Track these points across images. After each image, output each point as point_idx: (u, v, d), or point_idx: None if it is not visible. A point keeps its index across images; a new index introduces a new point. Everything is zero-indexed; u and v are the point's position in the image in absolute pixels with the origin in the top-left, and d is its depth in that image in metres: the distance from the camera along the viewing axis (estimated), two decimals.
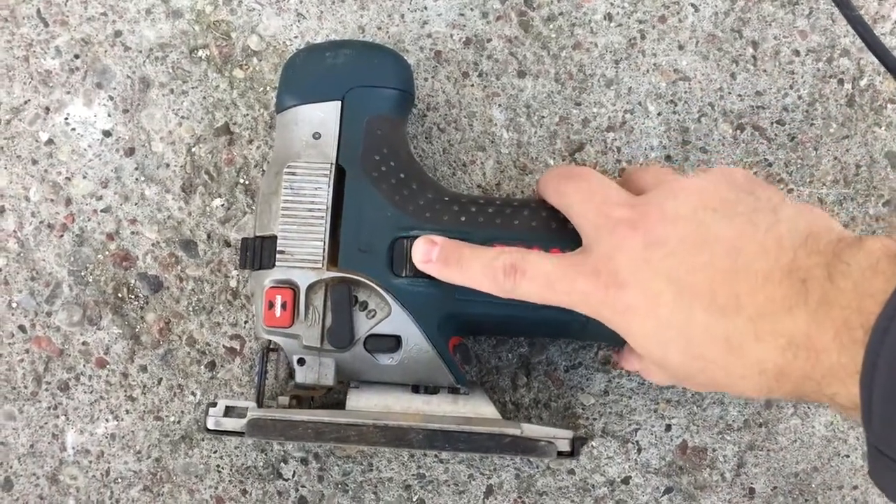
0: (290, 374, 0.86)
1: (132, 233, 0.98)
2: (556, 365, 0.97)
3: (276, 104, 0.81)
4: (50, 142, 0.99)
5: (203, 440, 0.97)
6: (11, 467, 0.97)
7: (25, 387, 0.97)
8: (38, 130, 0.99)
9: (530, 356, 0.96)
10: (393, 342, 0.72)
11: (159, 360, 0.97)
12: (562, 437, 0.73)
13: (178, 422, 0.97)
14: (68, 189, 0.99)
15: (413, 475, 0.95)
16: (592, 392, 0.97)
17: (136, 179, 0.99)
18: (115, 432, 0.97)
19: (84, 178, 0.99)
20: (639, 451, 0.97)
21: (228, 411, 0.74)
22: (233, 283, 0.97)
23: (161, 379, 0.97)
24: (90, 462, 0.97)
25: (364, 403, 0.73)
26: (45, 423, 0.97)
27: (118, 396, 0.97)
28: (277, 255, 0.72)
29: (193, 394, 0.97)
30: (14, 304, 0.98)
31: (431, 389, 0.74)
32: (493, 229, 0.71)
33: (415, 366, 0.72)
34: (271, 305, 0.73)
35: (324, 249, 0.72)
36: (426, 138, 0.97)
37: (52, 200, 0.99)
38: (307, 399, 0.80)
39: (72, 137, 0.99)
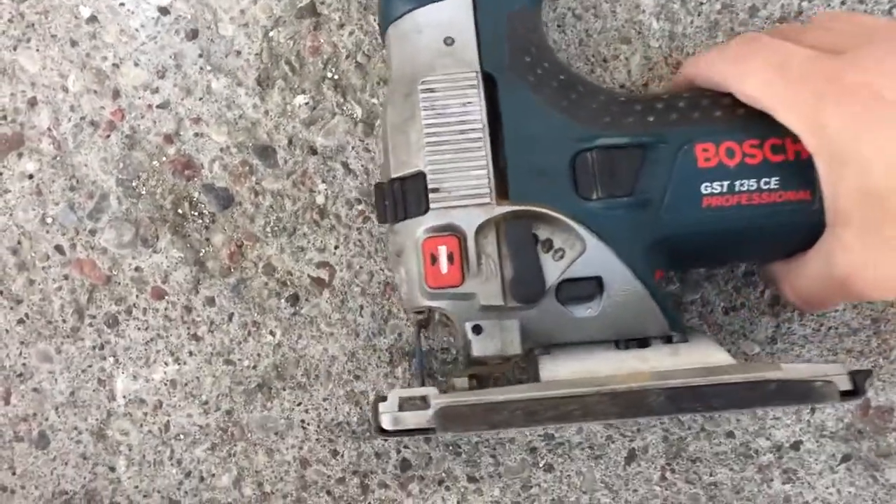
0: (460, 351, 0.75)
1: (195, 135, 0.79)
2: (713, 306, 0.80)
3: (382, 15, 0.68)
4: (93, 19, 0.80)
5: (284, 389, 0.79)
6: (47, 419, 0.79)
7: (64, 321, 0.79)
8: (79, 4, 0.80)
9: (682, 295, 0.79)
10: (592, 286, 0.60)
11: (230, 291, 0.79)
12: (835, 374, 0.57)
13: (254, 367, 0.79)
14: (116, 78, 0.80)
15: (540, 436, 0.78)
16: (757, 339, 0.80)
17: (201, 69, 0.80)
18: (175, 378, 0.79)
19: (136, 65, 0.80)
20: (812, 411, 0.80)
21: (403, 404, 0.58)
22: (319, 200, 0.79)
23: (232, 314, 0.79)
24: (145, 414, 0.79)
25: (565, 371, 0.58)
26: (90, 367, 0.80)
27: (179, 335, 0.79)
28: (431, 196, 0.60)
29: (272, 333, 0.79)
30: (49, 220, 0.79)
31: (641, 342, 0.61)
32: (691, 127, 0.61)
33: (620, 313, 0.60)
34: (434, 260, 0.59)
35: (489, 180, 0.59)
36: (558, 27, 0.79)
37: (95, 92, 0.80)
38: (487, 380, 0.68)
39: (120, 14, 0.80)
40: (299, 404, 0.80)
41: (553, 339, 0.60)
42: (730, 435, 0.80)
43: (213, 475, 0.80)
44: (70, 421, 0.80)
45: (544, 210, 0.58)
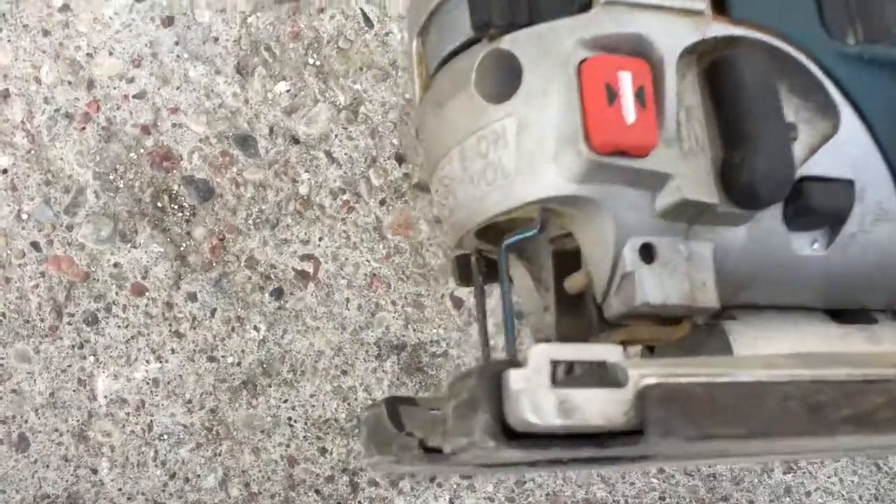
0: (587, 300, 0.41)
1: (174, 125, 0.77)
2: None
3: None
4: (65, 7, 0.77)
5: (269, 386, 0.77)
6: (27, 421, 0.77)
7: (42, 320, 0.77)
8: None
9: None
10: (844, 193, 0.36)
11: (212, 285, 0.77)
12: None
13: (238, 363, 0.77)
14: (90, 68, 0.77)
15: None
16: None
17: (178, 57, 0.77)
18: (157, 377, 0.77)
19: (110, 54, 0.77)
20: None
21: (558, 376, 0.32)
22: (303, 190, 0.77)
23: (215, 310, 0.77)
24: (127, 414, 0.77)
25: (773, 347, 0.37)
26: (69, 366, 0.77)
27: (161, 332, 0.77)
28: None
29: (256, 328, 0.77)
30: (24, 216, 0.77)
31: (866, 316, 0.39)
32: None
33: (859, 257, 0.37)
34: (612, 96, 0.33)
35: None
36: None
37: (69, 83, 0.77)
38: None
39: (93, 2, 0.77)
40: (286, 401, 0.77)
41: (744, 294, 0.37)
42: None
43: (199, 476, 0.78)
44: (50, 422, 0.78)
45: (778, 43, 0.35)
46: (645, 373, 0.30)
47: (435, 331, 0.77)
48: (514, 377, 0.30)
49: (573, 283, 0.40)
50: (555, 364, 0.31)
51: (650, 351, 0.42)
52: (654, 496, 0.77)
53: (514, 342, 0.41)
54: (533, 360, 0.30)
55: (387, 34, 0.79)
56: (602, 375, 0.30)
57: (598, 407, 0.30)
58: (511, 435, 0.30)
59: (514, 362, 0.31)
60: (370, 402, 0.77)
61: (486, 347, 0.46)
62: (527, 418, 0.29)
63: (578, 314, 0.41)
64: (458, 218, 0.41)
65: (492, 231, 0.41)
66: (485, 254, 0.45)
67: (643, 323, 0.37)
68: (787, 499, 0.78)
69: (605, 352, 0.31)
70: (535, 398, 0.30)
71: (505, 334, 0.41)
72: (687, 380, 0.30)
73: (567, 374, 0.31)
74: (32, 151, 0.78)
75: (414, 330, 0.77)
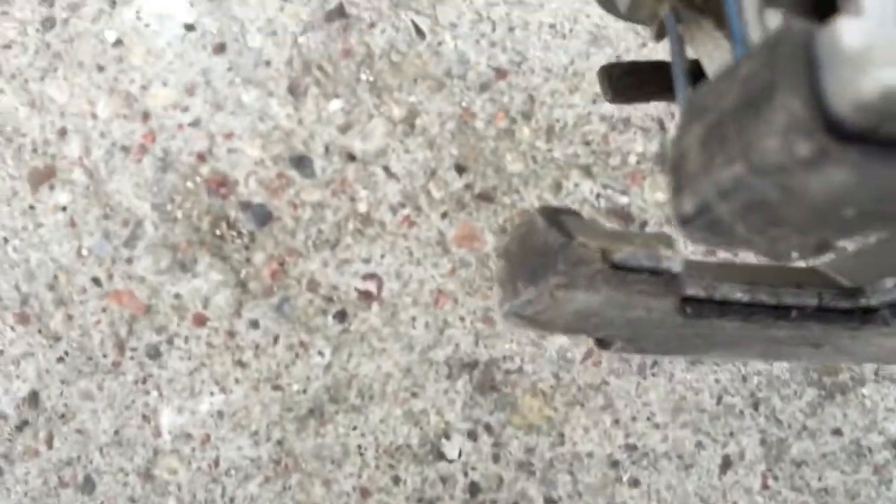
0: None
1: (229, 150, 0.76)
2: None
3: None
4: (119, 42, 0.77)
5: (337, 413, 0.73)
6: (92, 462, 0.75)
7: (105, 356, 0.75)
8: (104, 29, 0.78)
9: None
10: None
11: (274, 311, 0.74)
12: None
13: (304, 391, 0.74)
14: (145, 100, 0.77)
15: (620, 446, 0.71)
16: None
17: (230, 83, 0.76)
18: (222, 409, 0.74)
19: (164, 84, 0.77)
20: None
21: None
22: (362, 207, 0.74)
23: (278, 336, 0.74)
24: (193, 449, 0.74)
25: None
26: (133, 402, 0.75)
27: (224, 362, 0.74)
28: None
29: (321, 353, 0.74)
30: (85, 252, 0.76)
31: None
32: None
33: None
34: None
35: None
36: None
37: (125, 116, 0.77)
38: None
39: (146, 35, 0.77)
40: (355, 428, 0.74)
41: None
42: (837, 432, 0.71)
43: None
44: (115, 462, 0.75)
45: None
46: None
47: (507, 346, 0.72)
48: (849, 29, 0.18)
49: None
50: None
51: None
52: None
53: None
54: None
55: (439, 44, 0.77)
56: None
57: None
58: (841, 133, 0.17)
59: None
60: (443, 425, 0.73)
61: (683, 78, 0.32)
62: (885, 81, 0.16)
63: None
64: None
65: None
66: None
67: None
68: None
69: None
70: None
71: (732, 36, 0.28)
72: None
73: None
74: (90, 187, 0.77)
75: (485, 346, 0.73)
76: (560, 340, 0.72)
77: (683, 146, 0.21)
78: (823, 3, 0.26)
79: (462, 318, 0.74)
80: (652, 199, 0.74)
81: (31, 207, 0.77)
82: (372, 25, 0.77)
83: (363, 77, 0.76)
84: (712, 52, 0.35)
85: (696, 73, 0.34)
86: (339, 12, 0.77)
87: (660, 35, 0.34)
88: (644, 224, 0.74)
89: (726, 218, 0.21)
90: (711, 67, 0.35)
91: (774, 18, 0.28)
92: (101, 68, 0.78)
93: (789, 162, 0.17)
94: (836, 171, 0.17)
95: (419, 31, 0.77)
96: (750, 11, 0.30)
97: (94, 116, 0.78)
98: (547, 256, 0.26)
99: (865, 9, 0.18)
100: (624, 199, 0.74)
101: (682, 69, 0.30)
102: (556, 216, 0.28)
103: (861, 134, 0.17)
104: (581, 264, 0.25)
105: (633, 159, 0.75)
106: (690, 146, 0.20)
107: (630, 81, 0.36)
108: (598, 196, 0.75)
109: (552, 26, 0.77)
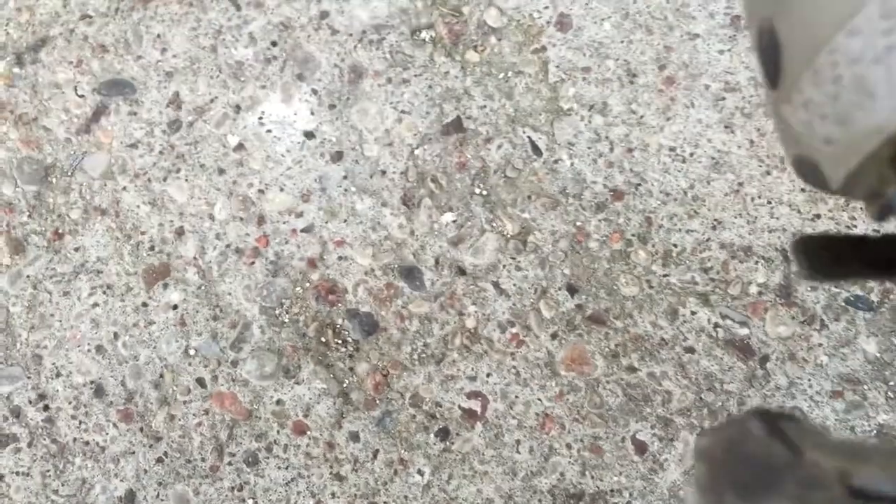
0: None
1: (339, 258, 0.76)
2: None
3: None
4: (240, 147, 0.79)
5: None
6: None
7: (203, 459, 0.74)
8: (227, 133, 0.79)
9: None
10: None
11: (375, 425, 0.72)
12: None
13: None
14: (261, 204, 0.78)
15: None
16: None
17: (345, 191, 0.77)
18: None
19: (281, 190, 0.78)
20: None
21: None
22: (470, 323, 0.73)
23: (377, 451, 0.72)
24: None
25: None
26: None
27: (322, 474, 0.73)
28: None
29: (420, 472, 0.71)
30: (192, 351, 0.76)
31: None
32: None
33: None
34: None
35: None
36: None
37: (241, 219, 0.78)
38: None
39: (266, 141, 0.79)
40: None
41: None
42: None
43: None
44: None
45: None
46: None
47: (616, 479, 0.69)
48: None
49: None
50: None
51: None
52: None
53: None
54: None
55: (556, 161, 0.76)
56: None
57: None
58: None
59: None
60: None
61: None
62: None
63: None
64: (864, 124, 0.25)
65: None
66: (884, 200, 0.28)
67: None
68: None
69: None
70: None
71: None
72: None
73: None
74: (203, 287, 0.78)
75: (592, 477, 0.69)
76: (673, 476, 0.69)
77: None
78: None
79: (569, 446, 0.71)
80: (774, 332, 0.71)
81: (144, 305, 0.78)
82: (488, 140, 0.77)
83: (477, 191, 0.76)
84: None
85: None
86: (457, 126, 0.77)
87: (881, 216, 0.30)
88: (765, 358, 0.70)
89: None
90: None
91: None
92: (221, 171, 0.79)
93: None
94: None
95: (535, 148, 0.77)
96: None
97: (212, 218, 0.79)
98: (771, 473, 0.23)
99: None
100: (744, 331, 0.71)
101: None
102: (776, 422, 0.24)
103: None
104: (816, 488, 0.22)
105: (754, 289, 0.72)
106: None
107: (827, 258, 0.31)
108: (715, 326, 0.72)
109: (672, 149, 0.76)
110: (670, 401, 0.70)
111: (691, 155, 0.75)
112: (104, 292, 0.78)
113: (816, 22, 0.26)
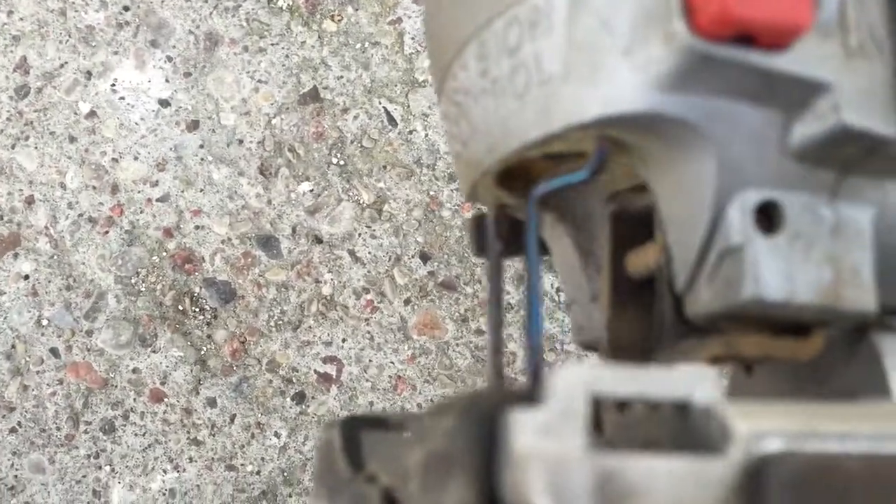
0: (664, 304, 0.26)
1: (196, 227, 0.76)
2: None
3: None
4: (92, 114, 0.78)
5: (290, 496, 0.73)
6: None
7: (58, 429, 0.75)
8: (77, 100, 0.78)
9: None
10: None
11: (232, 390, 0.74)
12: None
13: (258, 472, 0.74)
14: (115, 173, 0.77)
15: None
16: None
17: (202, 160, 0.77)
18: (174, 487, 0.74)
19: (135, 159, 0.77)
20: None
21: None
22: (326, 290, 0.75)
23: (234, 416, 0.74)
24: None
25: None
26: (84, 477, 0.74)
27: (179, 440, 0.74)
28: None
29: (277, 434, 0.74)
30: (45, 322, 0.76)
31: None
32: None
33: None
34: None
35: None
36: None
37: (94, 188, 0.77)
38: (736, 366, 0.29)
39: (120, 108, 0.78)
40: None
41: None
42: None
43: None
44: None
45: None
46: (763, 428, 0.16)
47: None
48: (523, 425, 0.17)
49: (640, 260, 0.26)
50: (597, 404, 0.17)
51: (747, 371, 0.26)
52: None
53: (540, 350, 0.25)
54: (559, 394, 0.17)
55: (410, 132, 0.78)
56: (681, 429, 0.17)
57: (673, 492, 0.16)
58: None
59: (528, 394, 0.17)
60: None
61: (498, 356, 0.28)
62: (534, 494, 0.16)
63: (644, 309, 0.26)
64: (472, 153, 0.26)
65: (521, 176, 0.27)
66: (509, 211, 0.29)
67: (749, 330, 0.22)
68: None
69: (686, 381, 0.17)
70: (555, 472, 0.16)
71: (527, 334, 0.25)
72: (839, 447, 0.16)
73: (619, 412, 0.18)
74: (55, 256, 0.77)
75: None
76: None
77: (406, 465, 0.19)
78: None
79: (420, 406, 0.74)
80: None
81: None
82: (345, 111, 0.78)
83: (334, 161, 0.78)
84: (566, 274, 0.31)
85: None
86: (314, 96, 0.78)
87: (480, 248, 0.32)
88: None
89: None
90: (567, 289, 0.32)
91: None
92: (72, 139, 0.78)
93: None
94: None
95: (391, 119, 0.79)
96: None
97: (63, 186, 0.78)
98: (337, 481, 0.23)
99: (551, 399, 0.17)
100: None
101: (535, 298, 0.25)
102: (354, 432, 0.23)
103: None
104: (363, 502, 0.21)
105: None
106: (415, 470, 0.19)
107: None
108: (558, 290, 0.76)
109: None
110: (515, 361, 0.75)
111: None
112: None
113: (442, 43, 0.27)
